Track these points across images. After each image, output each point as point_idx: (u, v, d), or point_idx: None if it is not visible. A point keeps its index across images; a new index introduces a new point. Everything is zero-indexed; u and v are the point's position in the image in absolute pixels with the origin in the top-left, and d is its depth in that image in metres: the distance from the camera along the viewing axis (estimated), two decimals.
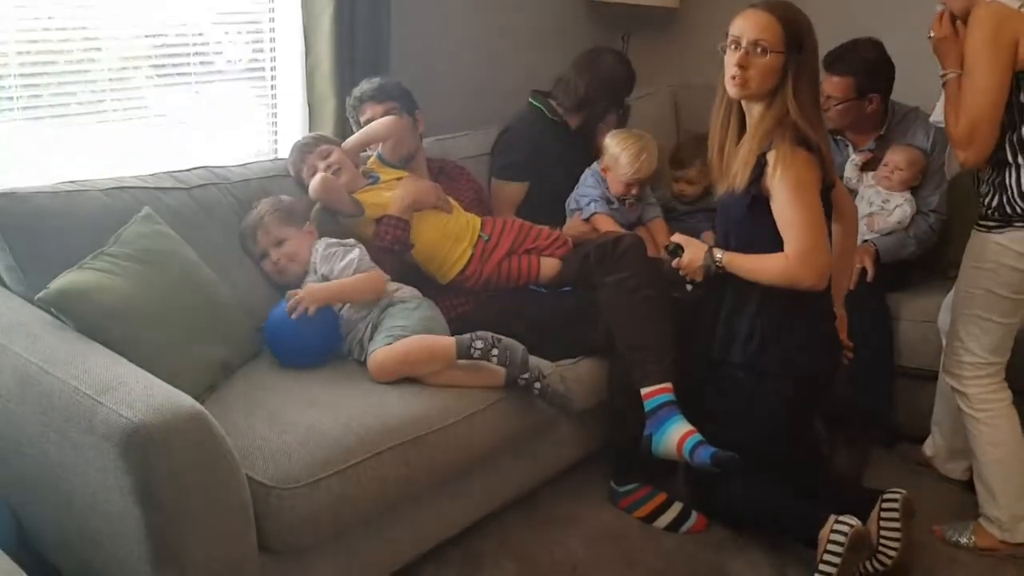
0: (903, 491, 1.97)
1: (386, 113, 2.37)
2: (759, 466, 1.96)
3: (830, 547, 1.82)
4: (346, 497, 1.65)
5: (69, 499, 1.54)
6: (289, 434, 1.67)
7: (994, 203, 1.92)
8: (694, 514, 2.17)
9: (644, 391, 2.05)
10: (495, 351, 1.91)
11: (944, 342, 2.19)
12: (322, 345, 2.01)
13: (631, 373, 2.09)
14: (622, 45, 3.45)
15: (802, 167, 1.85)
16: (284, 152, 2.37)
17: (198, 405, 1.42)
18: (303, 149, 2.29)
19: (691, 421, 1.99)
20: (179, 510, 1.39)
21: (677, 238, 2.10)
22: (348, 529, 1.71)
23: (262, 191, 2.21)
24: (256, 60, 2.57)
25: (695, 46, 3.34)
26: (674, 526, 2.17)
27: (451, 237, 2.29)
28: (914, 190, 2.59)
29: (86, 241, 1.79)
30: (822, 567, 1.83)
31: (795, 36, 1.87)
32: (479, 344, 1.90)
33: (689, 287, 2.06)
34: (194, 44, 2.43)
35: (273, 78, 2.61)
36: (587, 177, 2.63)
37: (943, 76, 1.94)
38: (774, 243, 1.91)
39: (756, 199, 1.90)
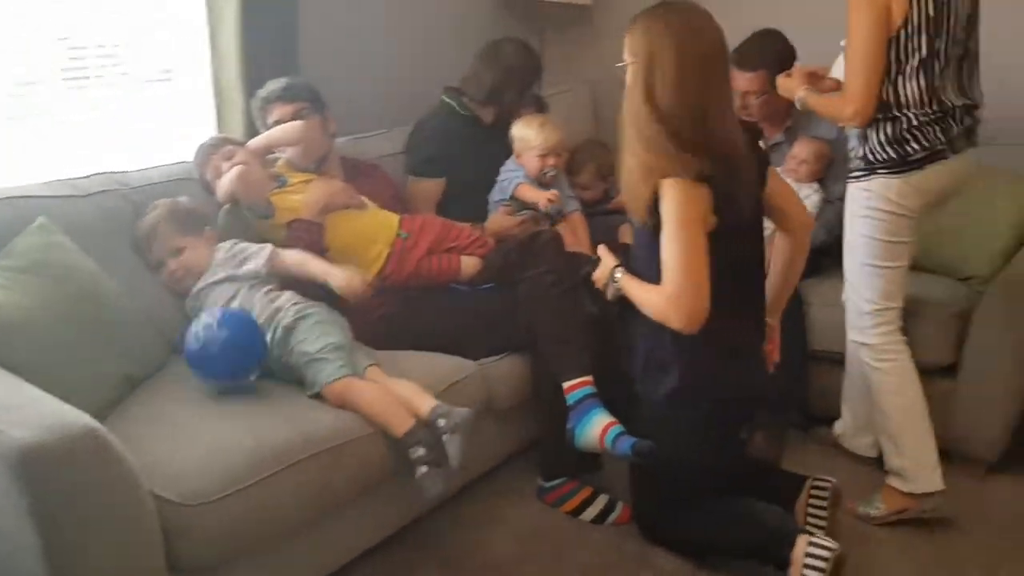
0: (833, 480, 2.01)
1: (295, 113, 2.31)
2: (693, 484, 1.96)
3: (807, 572, 1.75)
4: (261, 511, 1.60)
5: None
6: (198, 448, 1.61)
7: (860, 153, 2.06)
8: (619, 505, 2.19)
9: (565, 385, 2.06)
10: (424, 468, 1.78)
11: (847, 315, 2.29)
12: (249, 349, 1.84)
13: (552, 367, 2.10)
14: (538, 42, 3.45)
15: (682, 202, 1.73)
16: (188, 155, 2.28)
17: (93, 422, 1.36)
18: (207, 151, 2.23)
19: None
20: (77, 531, 1.33)
21: (600, 250, 2.03)
22: (264, 543, 1.66)
23: (165, 196, 2.12)
24: (161, 62, 2.48)
25: (611, 42, 3.33)
26: (600, 518, 2.18)
27: (366, 238, 2.25)
28: (821, 180, 2.66)
29: None
30: None
31: (632, 44, 1.82)
32: (421, 452, 1.78)
33: (610, 295, 2.00)
34: (98, 46, 2.32)
35: (178, 79, 2.52)
36: (505, 165, 2.66)
37: (800, 100, 2.15)
38: None
39: (655, 228, 1.79)
